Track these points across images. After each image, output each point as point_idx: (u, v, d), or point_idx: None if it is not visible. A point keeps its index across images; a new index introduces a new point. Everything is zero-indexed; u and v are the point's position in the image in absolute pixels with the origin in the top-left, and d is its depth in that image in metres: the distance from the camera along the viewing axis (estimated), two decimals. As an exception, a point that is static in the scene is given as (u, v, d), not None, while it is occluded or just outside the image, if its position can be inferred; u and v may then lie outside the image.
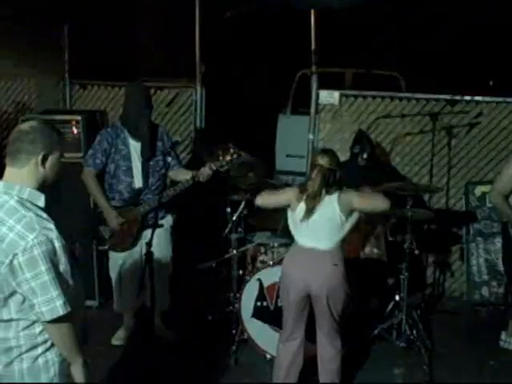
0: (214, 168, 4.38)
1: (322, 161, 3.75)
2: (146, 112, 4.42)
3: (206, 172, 4.38)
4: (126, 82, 6.34)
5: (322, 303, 3.76)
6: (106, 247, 4.59)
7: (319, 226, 3.74)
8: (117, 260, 4.63)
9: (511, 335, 4.74)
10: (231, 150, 4.40)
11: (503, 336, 4.84)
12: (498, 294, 5.52)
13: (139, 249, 4.52)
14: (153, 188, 4.51)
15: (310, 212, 3.72)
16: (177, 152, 4.97)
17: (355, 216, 3.79)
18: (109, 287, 4.93)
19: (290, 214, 3.86)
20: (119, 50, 8.87)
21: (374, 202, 3.82)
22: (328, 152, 3.89)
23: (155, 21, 10.70)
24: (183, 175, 4.50)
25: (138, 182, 4.48)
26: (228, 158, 4.40)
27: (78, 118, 5.11)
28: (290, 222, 3.88)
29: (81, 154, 4.95)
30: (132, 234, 4.49)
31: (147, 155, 4.45)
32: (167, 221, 4.64)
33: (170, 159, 4.42)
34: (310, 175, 3.82)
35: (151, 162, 4.48)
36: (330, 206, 3.72)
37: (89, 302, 5.11)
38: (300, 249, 3.84)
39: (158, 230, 4.39)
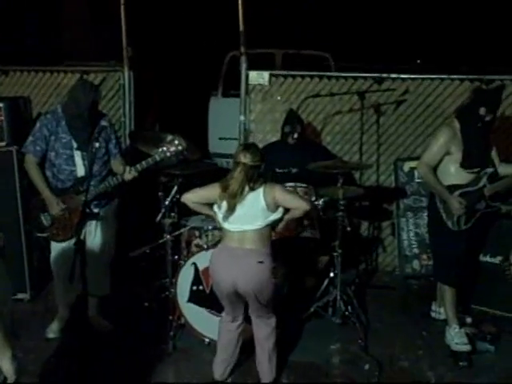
0: (158, 159, 4.32)
1: (245, 159, 3.74)
2: (88, 113, 4.29)
3: (130, 175, 4.36)
4: (50, 66, 6.24)
5: (250, 297, 3.81)
6: (46, 235, 4.46)
7: (243, 221, 3.75)
8: (58, 250, 4.51)
9: (440, 306, 4.89)
10: (176, 142, 4.34)
11: (434, 307, 4.99)
12: (428, 266, 5.67)
13: (80, 238, 4.39)
14: (97, 176, 4.41)
15: (232, 210, 3.74)
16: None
17: (280, 211, 3.82)
18: (40, 279, 4.80)
19: (215, 209, 3.87)
20: (43, 34, 8.61)
21: (297, 200, 3.87)
22: (250, 148, 3.86)
23: (80, 4, 10.42)
24: (116, 166, 4.48)
25: (80, 171, 4.39)
26: (172, 149, 4.33)
27: (0, 105, 4.92)
28: (216, 216, 3.88)
29: (4, 143, 4.77)
30: (73, 223, 4.37)
31: (83, 150, 4.35)
32: (110, 209, 4.57)
33: (111, 147, 4.43)
34: (232, 173, 3.79)
35: (93, 150, 4.36)
36: (255, 200, 3.74)
37: (20, 295, 4.98)
38: (226, 246, 3.85)
39: (102, 220, 4.43)
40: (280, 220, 3.90)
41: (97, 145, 4.30)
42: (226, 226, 3.82)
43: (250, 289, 3.75)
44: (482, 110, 4.31)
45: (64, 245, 4.44)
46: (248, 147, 3.89)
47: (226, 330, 4.03)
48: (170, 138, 4.38)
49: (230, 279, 3.77)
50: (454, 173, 4.44)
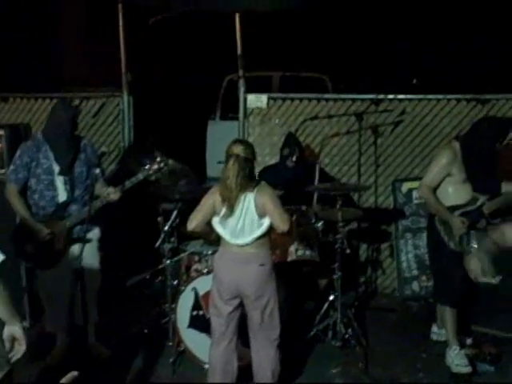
0: (141, 177, 4.35)
1: (237, 149, 3.73)
2: (68, 133, 4.33)
3: (115, 195, 4.36)
4: (50, 93, 6.29)
5: (253, 303, 3.82)
6: (32, 264, 4.45)
7: (241, 224, 3.75)
8: (45, 277, 4.51)
9: (440, 327, 4.88)
10: (158, 159, 4.39)
11: (434, 328, 4.98)
12: (427, 287, 5.67)
13: (68, 264, 4.41)
14: (79, 200, 4.43)
15: (230, 210, 3.72)
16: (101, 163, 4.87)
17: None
18: (40, 306, 4.79)
19: (214, 218, 3.85)
20: (42, 61, 8.67)
21: (279, 217, 3.75)
22: (243, 141, 3.91)
23: (78, 30, 10.52)
24: (101, 190, 4.44)
25: (62, 196, 4.39)
26: (155, 166, 4.38)
27: (1, 132, 4.96)
28: (214, 223, 3.85)
29: (4, 171, 4.80)
30: (59, 248, 4.38)
31: (65, 174, 4.36)
32: (94, 233, 4.54)
33: (94, 171, 4.36)
34: (225, 167, 3.75)
35: (75, 174, 4.40)
36: (247, 203, 3.73)
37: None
38: (227, 250, 3.85)
39: (88, 244, 4.35)
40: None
41: (78, 169, 4.35)
42: (225, 237, 3.82)
43: (253, 292, 3.78)
44: (484, 143, 4.32)
45: (52, 272, 4.42)
46: (241, 141, 3.95)
47: (218, 351, 3.96)
48: (154, 155, 4.44)
49: (234, 282, 3.80)
50: (452, 193, 4.45)
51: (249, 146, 3.82)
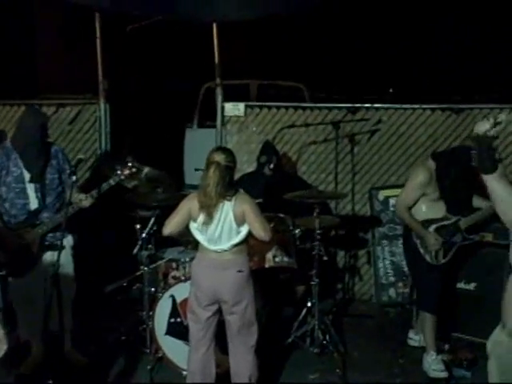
0: (113, 183, 4.34)
1: (219, 157, 3.72)
2: (38, 140, 4.29)
3: (87, 201, 4.32)
4: (26, 100, 6.24)
5: (229, 306, 3.83)
6: (4, 273, 4.37)
7: (219, 231, 3.74)
8: (18, 284, 4.45)
9: (417, 333, 4.93)
10: (129, 165, 4.38)
11: (411, 334, 5.02)
12: (404, 294, 5.72)
13: (40, 272, 4.34)
14: (50, 207, 4.39)
15: (209, 218, 3.71)
16: (77, 171, 4.75)
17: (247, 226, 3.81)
18: (15, 314, 4.72)
19: (191, 223, 3.84)
20: (17, 68, 8.60)
21: (260, 227, 3.75)
22: (225, 150, 3.89)
23: (55, 38, 10.45)
24: (79, 197, 4.37)
25: (33, 203, 4.34)
26: (126, 172, 4.37)
27: (-25, 139, 4.91)
28: (192, 229, 3.85)
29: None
30: (31, 256, 4.32)
31: (37, 182, 4.31)
32: (67, 241, 4.48)
33: (65, 178, 4.37)
34: (205, 174, 3.74)
35: (46, 181, 4.36)
36: (226, 211, 3.73)
37: (-6, 331, 4.89)
38: (204, 256, 3.85)
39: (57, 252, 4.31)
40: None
41: (50, 176, 4.31)
42: (203, 243, 3.82)
43: (231, 298, 3.79)
44: (452, 172, 4.35)
45: (24, 279, 4.36)
46: (223, 149, 3.93)
47: (196, 357, 3.94)
48: (126, 160, 4.43)
49: (212, 288, 3.80)
50: (427, 210, 4.51)
51: (230, 155, 3.81)
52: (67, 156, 4.65)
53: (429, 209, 4.50)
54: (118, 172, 4.37)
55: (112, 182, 4.35)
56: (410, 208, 4.54)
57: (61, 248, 4.17)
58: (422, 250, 4.52)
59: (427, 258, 4.50)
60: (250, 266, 3.99)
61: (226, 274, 3.79)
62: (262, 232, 3.77)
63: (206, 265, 3.85)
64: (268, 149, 5.55)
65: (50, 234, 4.36)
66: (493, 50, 11.59)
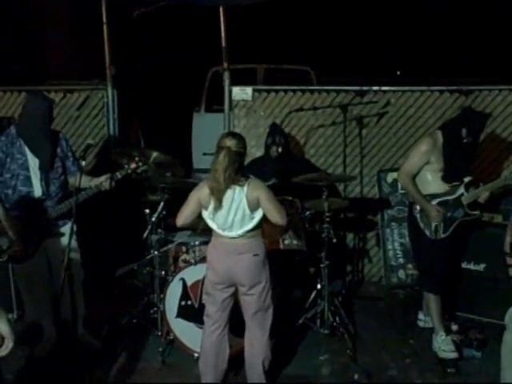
0: (120, 176, 4.34)
1: (230, 143, 3.71)
2: (45, 126, 4.28)
3: (107, 183, 4.32)
4: (33, 86, 6.25)
5: (247, 289, 3.85)
6: (4, 259, 4.37)
7: (231, 217, 3.74)
8: (21, 271, 4.46)
9: (426, 314, 4.94)
10: (136, 159, 4.38)
11: (420, 315, 5.04)
12: (413, 275, 5.71)
13: (43, 258, 4.36)
14: (54, 196, 4.38)
15: (219, 203, 3.71)
16: (86, 156, 4.74)
17: (261, 211, 3.81)
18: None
19: (203, 212, 3.85)
20: (26, 54, 8.61)
21: (276, 212, 3.78)
22: (236, 135, 3.86)
23: (63, 24, 10.44)
24: (88, 182, 4.38)
25: (37, 191, 4.34)
26: (133, 165, 4.38)
27: (-15, 125, 4.93)
28: (205, 217, 3.86)
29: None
30: (32, 243, 4.30)
31: (46, 169, 4.32)
32: (72, 227, 4.50)
33: (69, 165, 4.38)
34: (215, 159, 3.72)
35: (52, 170, 4.36)
36: (239, 197, 3.72)
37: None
38: (219, 241, 3.86)
39: (61, 238, 4.34)
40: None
41: (54, 164, 4.31)
42: (216, 230, 3.83)
43: (249, 281, 3.81)
44: (464, 132, 4.40)
45: (27, 266, 4.33)
46: (234, 134, 3.90)
47: (211, 339, 3.99)
48: (133, 154, 4.45)
49: (228, 273, 3.82)
50: (431, 181, 4.53)
51: (241, 140, 3.78)
52: (69, 143, 4.64)
53: (434, 178, 4.51)
54: (125, 166, 4.38)
55: (119, 175, 4.35)
56: (414, 177, 4.54)
57: (61, 235, 4.22)
58: (421, 225, 4.54)
59: (427, 232, 4.52)
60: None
61: (241, 258, 3.80)
62: (278, 218, 3.79)
63: (221, 250, 3.86)
64: (275, 131, 5.54)
65: (53, 222, 4.35)
66: (503, 32, 11.50)
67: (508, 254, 3.96)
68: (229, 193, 3.72)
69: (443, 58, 12.03)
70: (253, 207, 3.76)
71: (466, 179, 4.54)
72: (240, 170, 3.74)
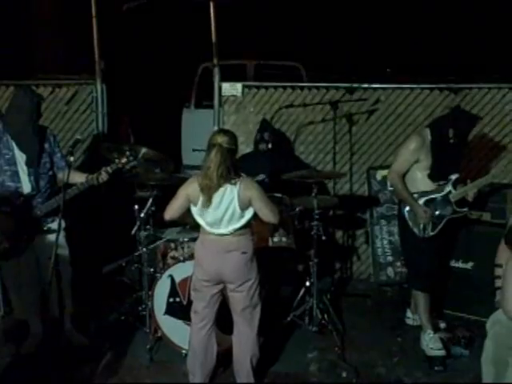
0: (110, 171, 4.32)
1: (221, 139, 3.70)
2: (32, 121, 4.23)
3: (102, 176, 4.31)
4: (22, 80, 6.19)
5: (236, 286, 3.84)
6: None
7: (220, 215, 3.73)
8: (9, 268, 4.43)
9: (414, 312, 4.96)
10: (127, 153, 4.36)
11: (409, 313, 5.06)
12: (402, 273, 5.73)
13: (31, 254, 4.32)
14: (43, 191, 4.34)
15: (209, 200, 3.70)
16: (75, 152, 4.67)
17: (251, 210, 3.80)
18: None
19: (192, 207, 3.84)
20: (15, 48, 8.54)
21: (268, 211, 3.78)
22: (227, 132, 3.85)
23: (52, 18, 10.35)
24: (78, 178, 4.34)
25: (26, 187, 4.29)
26: (124, 160, 4.35)
27: (-29, 119, 4.85)
28: (193, 213, 3.85)
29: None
30: (22, 239, 4.27)
31: (33, 164, 4.27)
32: (60, 224, 4.46)
33: (57, 160, 4.35)
34: (207, 156, 3.72)
35: (40, 165, 4.32)
36: (230, 196, 3.71)
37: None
38: (207, 238, 3.85)
39: (51, 235, 4.27)
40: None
41: (42, 160, 4.27)
42: (205, 227, 3.82)
43: (236, 279, 3.81)
44: (451, 132, 4.40)
45: (14, 263, 4.32)
46: (225, 131, 3.89)
47: (199, 336, 3.99)
48: (124, 148, 4.43)
49: (216, 270, 3.81)
50: (420, 179, 4.53)
51: (232, 137, 3.77)
52: (57, 138, 4.58)
53: (423, 176, 4.51)
54: (116, 160, 4.35)
55: (109, 169, 4.32)
56: (403, 176, 4.55)
57: (50, 231, 4.19)
58: (410, 223, 4.55)
59: (415, 230, 4.53)
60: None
61: (229, 256, 3.79)
62: (271, 217, 3.81)
63: (208, 247, 3.85)
64: (265, 127, 5.55)
65: (42, 218, 4.32)
66: (493, 30, 11.53)
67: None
68: (220, 191, 3.71)
69: (433, 55, 12.04)
70: (244, 206, 3.75)
71: (453, 176, 4.55)
72: (232, 167, 3.72)
